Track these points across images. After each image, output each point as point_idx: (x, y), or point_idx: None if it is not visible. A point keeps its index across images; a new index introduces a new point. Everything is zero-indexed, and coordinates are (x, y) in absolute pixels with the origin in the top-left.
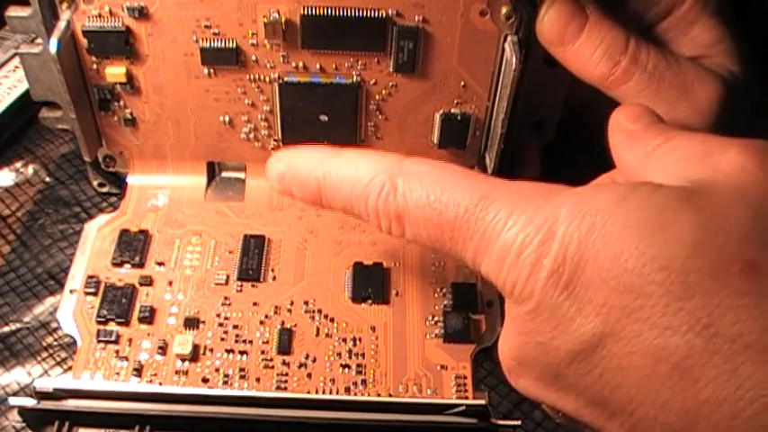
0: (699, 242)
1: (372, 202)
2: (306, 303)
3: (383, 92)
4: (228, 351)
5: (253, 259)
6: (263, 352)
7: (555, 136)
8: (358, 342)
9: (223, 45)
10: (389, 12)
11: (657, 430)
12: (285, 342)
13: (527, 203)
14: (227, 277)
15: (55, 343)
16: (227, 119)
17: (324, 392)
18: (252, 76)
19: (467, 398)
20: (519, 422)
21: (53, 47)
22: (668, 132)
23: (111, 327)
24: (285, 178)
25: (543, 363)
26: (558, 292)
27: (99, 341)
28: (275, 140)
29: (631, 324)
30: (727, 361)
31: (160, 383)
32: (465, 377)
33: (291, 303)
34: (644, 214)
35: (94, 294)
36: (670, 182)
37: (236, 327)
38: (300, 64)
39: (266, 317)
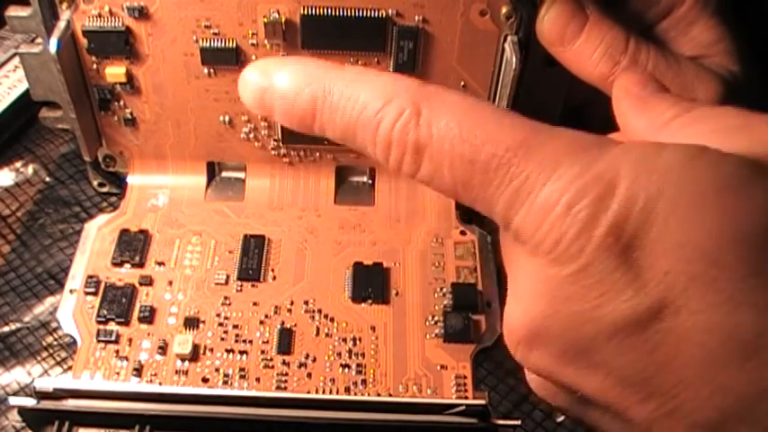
0: None
1: (385, 128)
2: (306, 303)
3: None
4: (228, 351)
5: (253, 259)
6: (263, 352)
7: None
8: (358, 342)
9: (223, 45)
10: (389, 12)
11: (702, 415)
12: (285, 342)
13: (579, 152)
14: (227, 277)
15: (55, 343)
16: (227, 119)
17: (324, 392)
18: None
19: (467, 398)
20: (519, 422)
21: (53, 47)
22: (685, 103)
23: (111, 327)
24: (266, 94)
25: (573, 335)
26: (613, 254)
27: (99, 341)
28: (275, 140)
29: (701, 296)
30: None
31: (160, 383)
32: (465, 377)
33: (291, 303)
34: (720, 180)
35: (94, 294)
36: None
37: (236, 327)
38: None
39: (266, 317)
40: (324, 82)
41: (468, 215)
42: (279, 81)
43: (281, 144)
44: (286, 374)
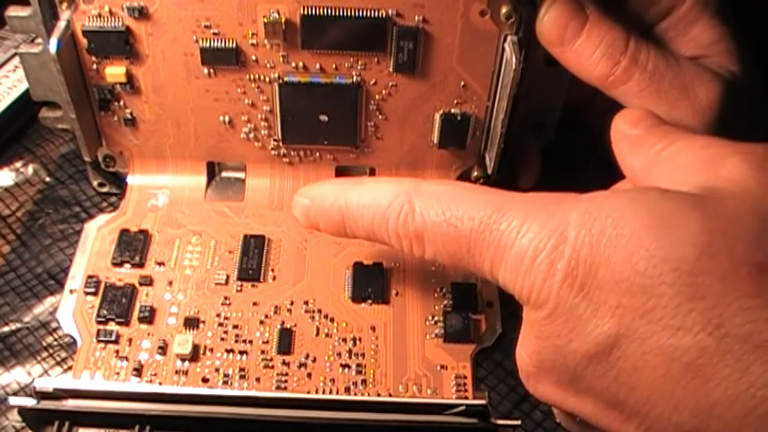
0: (708, 245)
1: (393, 225)
2: (306, 303)
3: (383, 92)
4: (228, 351)
5: (253, 259)
6: (263, 352)
7: (555, 136)
8: (358, 342)
9: (223, 45)
10: (389, 12)
11: (671, 429)
12: (285, 342)
13: (539, 211)
14: (227, 277)
15: (55, 343)
16: (227, 119)
17: (324, 392)
18: (252, 76)
19: (467, 398)
20: (519, 422)
21: (53, 47)
22: (671, 135)
23: (111, 327)
24: (310, 213)
25: (561, 366)
26: (573, 294)
27: (99, 341)
28: (275, 140)
29: (644, 325)
30: (739, 360)
31: (160, 383)
32: (465, 377)
33: (291, 303)
34: (654, 217)
35: (94, 294)
36: (676, 187)
37: (236, 327)
38: (300, 64)
39: (266, 317)
40: (344, 197)
41: None
42: (316, 201)
43: (281, 144)
44: (286, 374)
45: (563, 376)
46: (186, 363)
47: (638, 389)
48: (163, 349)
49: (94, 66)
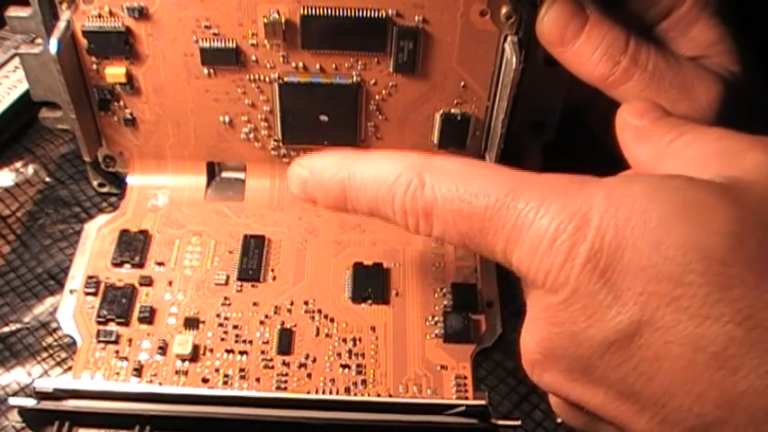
0: (739, 234)
1: (399, 200)
2: (306, 303)
3: (383, 92)
4: (228, 351)
5: (253, 259)
6: (263, 352)
7: (555, 136)
8: (358, 342)
9: (223, 45)
10: (389, 12)
11: (690, 422)
12: (285, 342)
13: (559, 192)
14: (227, 277)
15: (55, 343)
16: (227, 119)
17: (324, 392)
18: (252, 77)
19: (467, 398)
20: (519, 422)
21: (53, 47)
22: (680, 127)
23: (111, 327)
24: (308, 185)
25: (574, 354)
26: (594, 279)
27: (99, 341)
28: (275, 140)
29: (671, 313)
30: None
31: (160, 383)
32: (465, 377)
33: (291, 303)
34: (683, 205)
35: (94, 294)
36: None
37: (236, 327)
38: (300, 64)
39: (266, 317)
40: (346, 169)
41: None
42: (315, 173)
43: (281, 144)
44: (286, 375)
45: (574, 364)
46: (186, 363)
47: (658, 378)
48: (163, 349)
49: (94, 66)
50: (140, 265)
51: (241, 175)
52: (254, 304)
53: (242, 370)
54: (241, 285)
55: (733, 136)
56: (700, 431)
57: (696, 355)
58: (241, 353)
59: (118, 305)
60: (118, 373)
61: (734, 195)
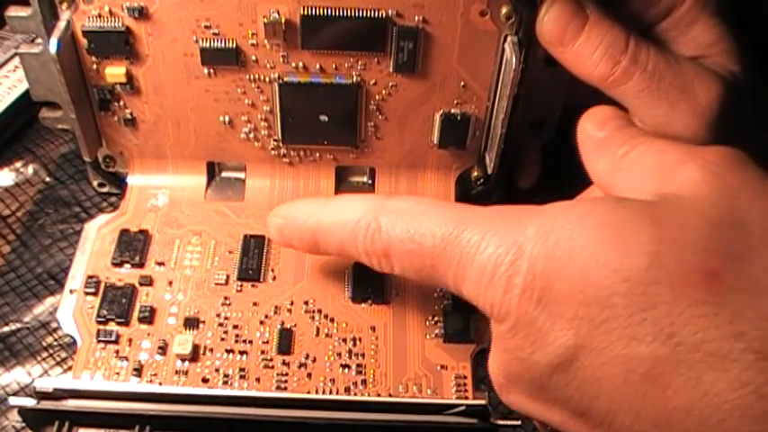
0: (658, 254)
1: (361, 243)
2: (306, 303)
3: (383, 92)
4: (228, 351)
5: (253, 259)
6: (263, 352)
7: (555, 136)
8: (358, 342)
9: (223, 45)
10: (389, 12)
11: None
12: (285, 342)
13: (498, 226)
14: (227, 277)
15: (55, 343)
16: (227, 119)
17: (324, 392)
18: (252, 77)
19: (467, 398)
20: (519, 422)
21: (53, 47)
22: (634, 139)
23: (111, 327)
24: (284, 231)
25: (527, 378)
26: (532, 308)
27: (99, 341)
28: (275, 140)
29: (600, 335)
30: (692, 369)
31: (160, 383)
32: (465, 377)
33: (291, 303)
34: (605, 229)
35: (94, 294)
36: (634, 194)
37: (236, 327)
38: (300, 64)
39: (266, 317)
40: (315, 216)
41: None
42: (288, 220)
43: (281, 144)
44: (286, 374)
45: (530, 387)
46: (186, 363)
47: (600, 398)
48: (163, 349)
49: (94, 66)
50: (140, 265)
51: (241, 175)
52: (254, 304)
53: (242, 370)
54: (241, 285)
55: (672, 149)
56: None
57: (629, 376)
58: (241, 353)
59: (118, 305)
60: (118, 373)
61: (658, 214)
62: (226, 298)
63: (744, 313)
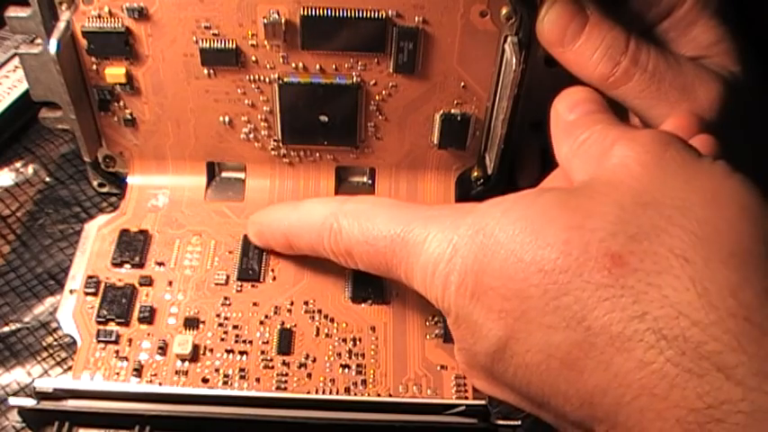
0: (567, 242)
1: (326, 244)
2: (306, 303)
3: (383, 92)
4: (228, 351)
5: (253, 259)
6: (263, 352)
7: None
8: (358, 342)
9: (223, 46)
10: (389, 12)
11: (571, 417)
12: (285, 342)
13: (439, 225)
14: (227, 277)
15: (55, 343)
16: (226, 119)
17: (324, 392)
18: (252, 77)
19: (467, 398)
20: (519, 422)
21: (53, 47)
22: (593, 126)
23: (111, 327)
24: (261, 235)
25: (477, 365)
26: (466, 302)
27: (99, 341)
28: (275, 140)
29: (522, 326)
30: (603, 352)
31: (160, 383)
32: (465, 377)
33: (291, 303)
34: (523, 223)
35: (94, 294)
36: (581, 179)
37: (236, 327)
38: (300, 64)
39: (266, 317)
40: (287, 219)
41: None
42: (264, 225)
43: (281, 144)
44: (286, 375)
45: (482, 373)
46: (186, 363)
47: (533, 383)
48: (163, 349)
49: (94, 66)
50: (140, 265)
51: (241, 175)
52: (254, 304)
53: (242, 370)
54: (241, 285)
55: (611, 132)
56: (587, 426)
57: (550, 362)
58: (241, 353)
59: (118, 305)
60: (118, 373)
61: (573, 203)
62: (226, 298)
63: (647, 294)
